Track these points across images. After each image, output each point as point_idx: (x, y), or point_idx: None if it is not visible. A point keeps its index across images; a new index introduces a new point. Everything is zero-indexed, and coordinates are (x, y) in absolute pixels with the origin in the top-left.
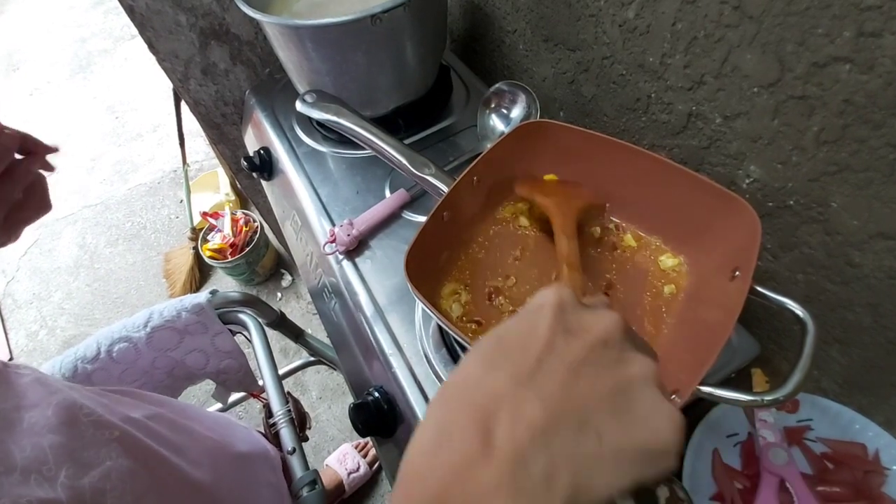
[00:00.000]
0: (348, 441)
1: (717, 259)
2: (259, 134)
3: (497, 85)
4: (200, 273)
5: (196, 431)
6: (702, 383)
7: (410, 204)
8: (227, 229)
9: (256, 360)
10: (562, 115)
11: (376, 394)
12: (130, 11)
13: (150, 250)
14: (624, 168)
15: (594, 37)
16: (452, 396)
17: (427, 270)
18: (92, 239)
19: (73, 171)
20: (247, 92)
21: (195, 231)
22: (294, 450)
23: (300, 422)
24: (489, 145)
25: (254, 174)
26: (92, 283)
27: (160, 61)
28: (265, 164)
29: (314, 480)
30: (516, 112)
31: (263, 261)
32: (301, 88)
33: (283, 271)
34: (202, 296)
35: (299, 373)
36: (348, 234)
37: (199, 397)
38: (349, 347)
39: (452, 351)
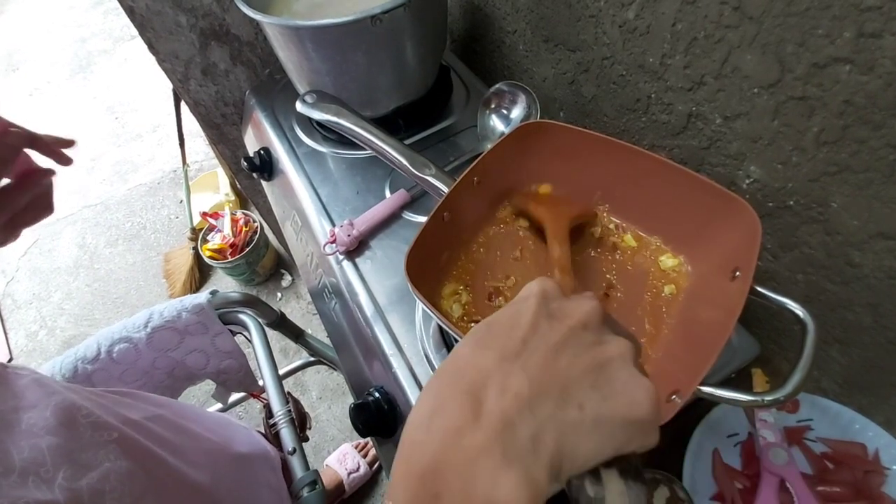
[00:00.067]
0: (348, 441)
1: (718, 259)
2: (259, 134)
3: (497, 85)
4: (200, 273)
5: (195, 432)
6: (702, 383)
7: (411, 204)
8: (227, 229)
9: (256, 360)
10: (562, 115)
11: (377, 394)
12: (130, 12)
13: (150, 250)
14: (624, 168)
15: (594, 37)
16: (445, 374)
17: (427, 271)
18: (92, 239)
19: (73, 172)
20: (247, 92)
21: (195, 231)
22: (294, 450)
23: (300, 422)
24: (489, 146)
25: (254, 174)
26: (92, 283)
27: (160, 62)
28: (265, 165)
29: (314, 481)
30: (516, 112)
31: (263, 261)
32: (301, 89)
33: (283, 271)
34: (202, 296)
35: (299, 373)
36: (348, 235)
37: (199, 398)
38: (349, 347)
39: None
